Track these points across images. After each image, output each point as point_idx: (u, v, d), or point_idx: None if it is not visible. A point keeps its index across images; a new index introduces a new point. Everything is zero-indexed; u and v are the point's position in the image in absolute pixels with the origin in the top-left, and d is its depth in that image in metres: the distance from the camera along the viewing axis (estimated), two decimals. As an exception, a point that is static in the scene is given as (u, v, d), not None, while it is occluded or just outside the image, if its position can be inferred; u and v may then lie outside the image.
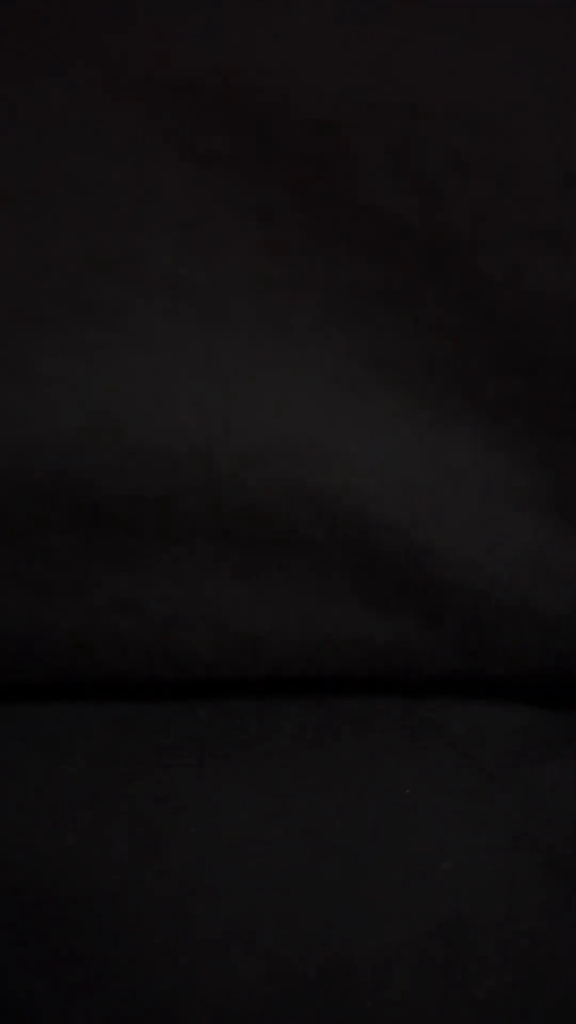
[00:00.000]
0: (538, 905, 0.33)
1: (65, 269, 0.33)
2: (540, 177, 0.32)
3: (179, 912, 0.32)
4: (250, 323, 0.33)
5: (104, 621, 0.35)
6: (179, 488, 0.34)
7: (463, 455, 0.35)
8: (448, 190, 0.32)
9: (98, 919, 0.31)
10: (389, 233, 0.33)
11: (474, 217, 0.32)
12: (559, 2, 0.32)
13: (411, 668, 0.36)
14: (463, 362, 0.34)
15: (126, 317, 0.33)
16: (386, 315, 0.33)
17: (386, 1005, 0.30)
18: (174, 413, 0.33)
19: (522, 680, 0.37)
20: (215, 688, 0.37)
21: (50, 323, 0.33)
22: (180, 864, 0.33)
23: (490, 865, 0.33)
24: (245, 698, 0.37)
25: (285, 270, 0.33)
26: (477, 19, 0.31)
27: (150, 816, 0.34)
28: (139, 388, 0.33)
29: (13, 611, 0.35)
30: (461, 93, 0.32)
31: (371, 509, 0.34)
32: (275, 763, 0.36)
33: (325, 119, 0.32)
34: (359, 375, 0.34)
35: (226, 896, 0.32)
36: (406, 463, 0.34)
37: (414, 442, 0.35)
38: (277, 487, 0.34)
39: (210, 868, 0.33)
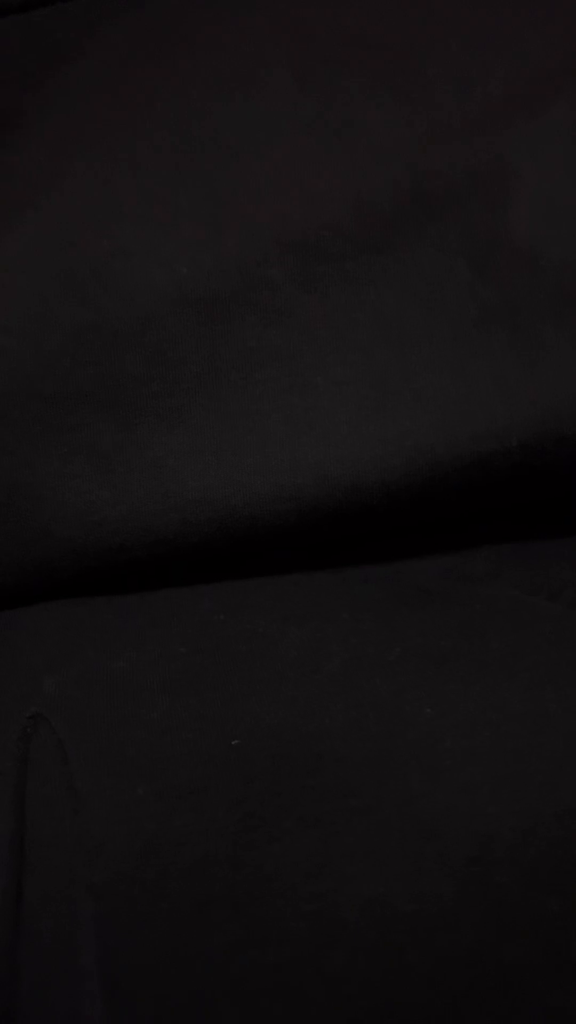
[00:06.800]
0: None
1: None
2: None
3: (430, 764, 0.35)
4: None
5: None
6: None
7: None
8: None
9: (365, 774, 0.35)
10: None
11: None
12: None
13: None
14: None
15: None
16: None
17: None
18: None
19: None
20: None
21: None
22: (424, 728, 0.35)
23: None
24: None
25: None
26: None
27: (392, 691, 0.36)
28: None
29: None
30: None
31: None
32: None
33: None
34: None
35: (468, 753, 0.35)
36: None
37: None
38: None
39: (450, 733, 0.35)
